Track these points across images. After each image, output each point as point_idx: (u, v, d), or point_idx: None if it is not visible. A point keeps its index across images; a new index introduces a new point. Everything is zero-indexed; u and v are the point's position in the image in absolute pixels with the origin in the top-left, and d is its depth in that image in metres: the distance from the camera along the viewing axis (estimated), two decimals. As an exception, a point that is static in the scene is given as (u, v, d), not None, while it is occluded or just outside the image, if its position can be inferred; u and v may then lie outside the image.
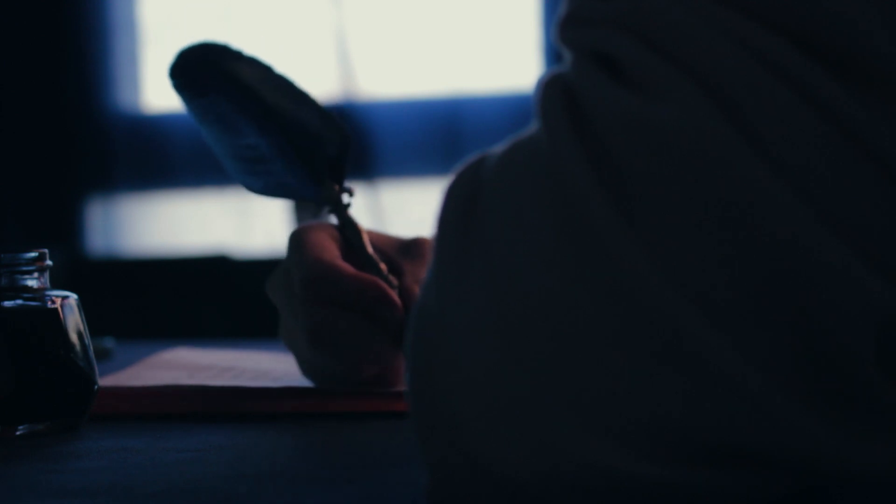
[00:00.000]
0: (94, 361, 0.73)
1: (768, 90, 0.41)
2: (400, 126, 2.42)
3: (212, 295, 2.27)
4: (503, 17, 2.43)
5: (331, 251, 0.79)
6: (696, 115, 0.41)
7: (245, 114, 0.79)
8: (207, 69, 0.79)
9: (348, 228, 0.81)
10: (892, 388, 0.41)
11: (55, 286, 0.73)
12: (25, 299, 0.71)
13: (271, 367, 0.93)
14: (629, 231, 0.41)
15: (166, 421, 0.74)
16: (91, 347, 0.72)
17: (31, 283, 0.72)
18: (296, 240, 0.79)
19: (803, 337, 0.41)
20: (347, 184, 0.82)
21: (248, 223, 2.49)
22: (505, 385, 0.42)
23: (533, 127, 0.45)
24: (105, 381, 0.83)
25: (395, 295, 0.77)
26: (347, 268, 0.78)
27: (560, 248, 0.42)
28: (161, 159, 2.52)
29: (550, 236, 0.42)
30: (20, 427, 0.70)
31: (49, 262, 0.72)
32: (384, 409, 0.75)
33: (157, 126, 2.53)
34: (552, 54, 2.31)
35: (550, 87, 0.44)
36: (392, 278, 0.79)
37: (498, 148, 0.46)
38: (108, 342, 1.11)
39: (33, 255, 0.72)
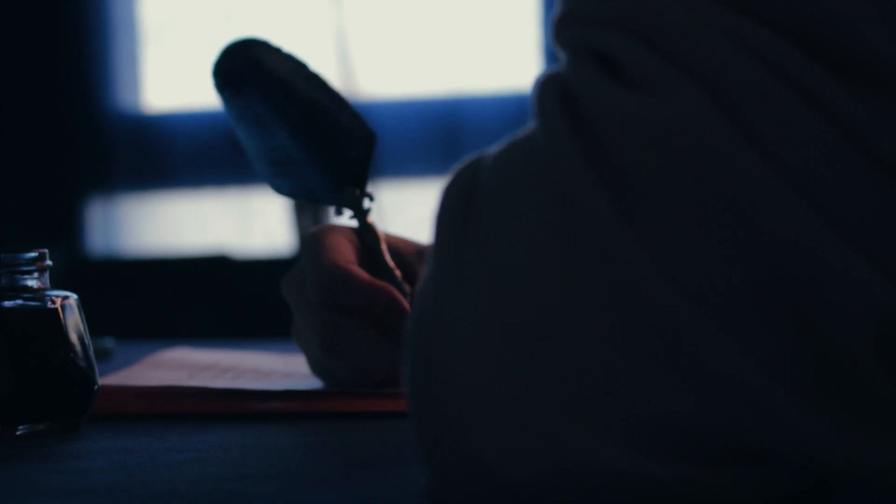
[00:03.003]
0: (94, 361, 0.72)
1: (768, 90, 0.41)
2: (400, 126, 2.42)
3: (212, 295, 2.27)
4: (503, 17, 2.43)
5: (346, 255, 0.79)
6: (696, 115, 0.41)
7: (279, 110, 0.81)
8: (247, 62, 0.82)
9: (367, 233, 0.81)
10: (892, 388, 0.41)
11: (55, 286, 0.73)
12: (25, 299, 0.71)
13: (273, 368, 0.93)
14: (629, 230, 0.41)
15: (166, 421, 0.74)
16: (91, 347, 0.72)
17: (31, 283, 0.71)
18: (312, 242, 0.79)
19: (803, 336, 0.41)
20: (368, 189, 0.83)
21: (248, 223, 2.49)
22: (505, 385, 0.42)
23: (529, 126, 0.44)
24: (105, 381, 0.83)
25: (406, 302, 0.77)
26: (361, 273, 0.78)
27: (559, 247, 0.42)
28: (161, 159, 2.52)
29: (549, 235, 0.42)
30: (20, 427, 0.70)
31: (49, 262, 0.72)
32: (384, 409, 0.75)
33: (157, 126, 2.53)
34: (552, 54, 2.31)
35: (547, 86, 0.44)
36: (406, 286, 0.80)
37: (495, 148, 0.46)
38: (108, 342, 1.11)
39: (33, 255, 0.72)
